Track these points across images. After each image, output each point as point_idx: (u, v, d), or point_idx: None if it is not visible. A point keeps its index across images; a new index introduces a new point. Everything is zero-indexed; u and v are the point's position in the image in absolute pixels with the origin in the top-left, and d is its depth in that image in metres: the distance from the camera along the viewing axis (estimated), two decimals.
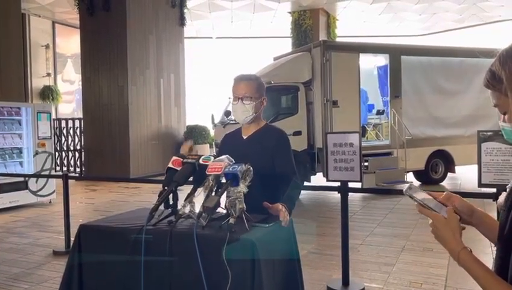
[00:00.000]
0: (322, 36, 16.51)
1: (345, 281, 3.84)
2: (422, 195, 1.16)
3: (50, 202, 8.56)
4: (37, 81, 15.77)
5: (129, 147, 12.11)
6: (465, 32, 20.15)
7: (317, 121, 8.77)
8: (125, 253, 2.00)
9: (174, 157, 2.25)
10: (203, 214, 1.92)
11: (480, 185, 3.48)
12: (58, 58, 16.85)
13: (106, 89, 12.43)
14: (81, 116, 13.52)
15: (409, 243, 5.28)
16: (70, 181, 5.41)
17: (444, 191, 1.20)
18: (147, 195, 9.45)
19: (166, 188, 2.14)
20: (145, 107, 12.75)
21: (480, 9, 17.44)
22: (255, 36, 20.52)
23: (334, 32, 17.84)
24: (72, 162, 13.32)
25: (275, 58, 10.48)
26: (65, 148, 13.34)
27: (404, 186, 1.19)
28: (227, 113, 8.42)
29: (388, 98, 9.88)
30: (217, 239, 1.87)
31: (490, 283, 1.00)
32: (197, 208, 2.00)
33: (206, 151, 13.61)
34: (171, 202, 2.16)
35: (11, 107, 8.26)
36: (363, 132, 9.58)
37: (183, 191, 2.11)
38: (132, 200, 8.93)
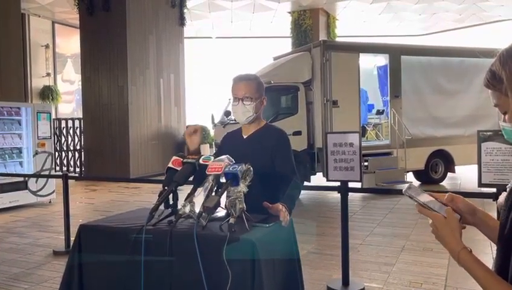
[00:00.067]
0: (322, 36, 16.51)
1: (345, 281, 3.84)
2: (421, 195, 1.16)
3: (50, 202, 8.56)
4: (37, 81, 15.77)
5: (129, 147, 12.11)
6: (465, 32, 20.16)
7: (317, 121, 8.77)
8: (125, 253, 2.00)
9: (174, 157, 2.25)
10: (203, 214, 1.92)
11: (480, 185, 3.48)
12: (58, 58, 16.85)
13: (106, 89, 12.43)
14: (81, 116, 13.52)
15: (409, 243, 5.28)
16: (70, 181, 5.41)
17: (444, 191, 1.20)
18: (146, 195, 9.45)
19: (166, 188, 2.14)
20: (145, 107, 12.75)
21: (480, 9, 17.44)
22: (255, 36, 20.52)
23: (334, 32, 17.85)
24: (72, 162, 13.32)
25: (275, 58, 10.49)
26: (65, 148, 13.34)
27: (404, 187, 1.19)
28: (227, 113, 8.43)
29: (388, 98, 9.88)
30: (217, 239, 1.86)
31: (490, 283, 1.00)
32: (197, 208, 2.00)
33: (206, 151, 13.62)
34: (171, 202, 2.16)
35: (11, 107, 8.26)
36: (363, 132, 9.58)
37: (183, 191, 2.11)
38: (132, 200, 8.93)
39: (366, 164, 8.86)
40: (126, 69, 12.14)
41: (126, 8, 12.11)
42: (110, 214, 2.97)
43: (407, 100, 9.67)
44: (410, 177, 9.97)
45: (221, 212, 2.15)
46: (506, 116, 1.03)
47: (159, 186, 2.22)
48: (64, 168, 13.19)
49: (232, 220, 1.93)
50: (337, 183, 4.03)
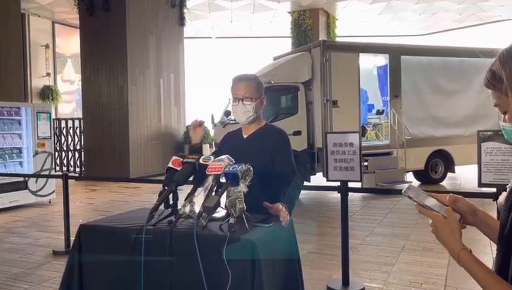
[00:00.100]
0: (322, 36, 16.50)
1: (345, 281, 3.84)
2: (421, 195, 1.16)
3: (50, 202, 8.56)
4: (37, 81, 15.76)
5: (129, 147, 12.11)
6: (465, 32, 20.16)
7: (317, 121, 8.77)
8: (125, 253, 2.00)
9: (174, 157, 2.25)
10: (203, 214, 1.92)
11: (480, 184, 3.48)
12: (58, 58, 16.84)
13: (106, 89, 12.43)
14: (80, 116, 13.52)
15: (409, 243, 5.28)
16: (70, 181, 5.41)
17: (444, 191, 1.20)
18: (146, 195, 9.45)
19: (166, 188, 2.14)
20: (145, 107, 12.75)
21: (480, 9, 17.44)
22: (255, 36, 20.52)
23: (334, 32, 17.85)
24: (71, 162, 13.32)
25: (275, 58, 10.48)
26: (65, 148, 13.34)
27: (404, 187, 1.19)
28: (227, 113, 8.43)
29: (388, 98, 9.88)
30: (217, 239, 1.87)
31: (490, 283, 1.00)
32: (197, 208, 2.00)
33: (206, 151, 13.60)
34: (171, 202, 2.16)
35: (10, 107, 8.26)
36: (362, 132, 9.58)
37: (183, 191, 2.11)
38: (132, 200, 8.93)
39: (366, 164, 8.86)
40: (126, 69, 12.14)
41: (126, 8, 12.10)
42: (110, 214, 2.97)
43: (407, 100, 9.67)
44: (410, 177, 9.97)
45: (221, 212, 2.15)
46: (506, 116, 1.03)
47: (159, 186, 2.22)
48: (64, 168, 13.19)
49: (232, 220, 1.93)
50: (337, 183, 4.03)
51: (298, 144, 8.29)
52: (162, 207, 2.12)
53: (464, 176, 10.24)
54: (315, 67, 8.88)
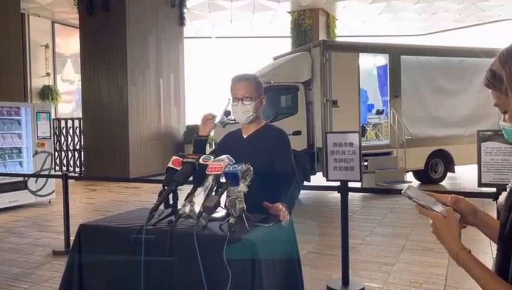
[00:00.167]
0: (322, 36, 16.50)
1: (345, 281, 3.84)
2: (421, 195, 1.16)
3: (49, 201, 8.55)
4: (37, 81, 15.76)
5: (129, 147, 12.11)
6: (464, 32, 20.16)
7: (316, 121, 8.77)
8: (125, 253, 2.00)
9: (174, 157, 2.24)
10: (203, 213, 1.92)
11: (480, 184, 3.48)
12: (58, 58, 16.84)
13: (106, 89, 12.43)
14: (80, 116, 13.52)
15: (409, 243, 5.28)
16: (70, 181, 5.41)
17: (443, 191, 1.20)
18: (146, 195, 9.45)
19: (166, 187, 2.14)
20: (144, 107, 12.75)
21: (479, 9, 17.44)
22: (255, 36, 20.52)
23: (334, 32, 17.85)
24: (71, 162, 13.32)
25: (275, 58, 10.48)
26: (65, 148, 13.34)
27: (404, 187, 1.19)
28: (226, 113, 8.43)
29: (388, 98, 9.89)
30: (217, 239, 1.86)
31: (490, 283, 1.00)
32: (197, 208, 2.00)
33: (206, 151, 13.58)
34: (171, 202, 2.16)
35: (10, 107, 8.26)
36: (362, 132, 9.58)
37: (183, 190, 2.11)
38: (132, 200, 8.93)
39: (365, 163, 8.86)
40: (126, 69, 12.14)
41: (126, 8, 12.10)
42: (110, 214, 2.97)
43: (407, 100, 9.67)
44: (410, 177, 9.97)
45: (221, 212, 2.15)
46: (506, 116, 1.03)
47: (159, 186, 2.22)
48: (64, 168, 13.19)
49: (232, 220, 1.93)
50: (337, 183, 4.03)
51: (298, 144, 8.29)
52: (162, 207, 2.12)
53: (464, 176, 10.24)
54: (315, 67, 8.88)
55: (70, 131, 13.22)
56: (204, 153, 2.25)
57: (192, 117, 15.10)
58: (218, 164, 2.04)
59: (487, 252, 4.53)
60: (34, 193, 8.27)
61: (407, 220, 6.48)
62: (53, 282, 4.10)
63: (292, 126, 8.17)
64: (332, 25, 17.77)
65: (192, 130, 13.94)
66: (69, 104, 17.35)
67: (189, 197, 2.08)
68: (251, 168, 2.00)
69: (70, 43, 16.83)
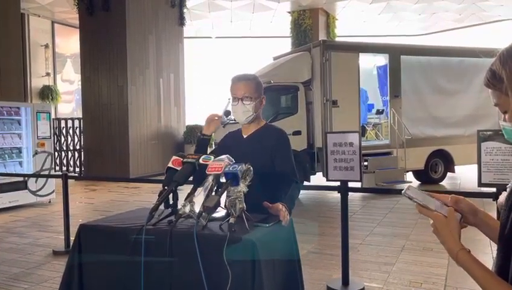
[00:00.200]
0: (322, 36, 16.51)
1: (345, 281, 3.84)
2: (421, 195, 1.16)
3: (49, 201, 8.55)
4: (37, 81, 15.76)
5: (129, 147, 12.11)
6: (464, 32, 20.16)
7: (316, 121, 8.77)
8: (125, 253, 2.00)
9: (174, 157, 2.24)
10: (203, 213, 1.92)
11: (480, 184, 3.48)
12: (58, 58, 16.84)
13: (106, 89, 12.43)
14: (80, 116, 13.52)
15: (409, 243, 5.28)
16: (70, 181, 5.41)
17: (443, 191, 1.20)
18: (146, 195, 9.45)
19: (166, 187, 2.13)
20: (144, 107, 12.75)
21: (479, 8, 17.44)
22: (255, 36, 20.52)
23: (334, 32, 17.85)
24: (71, 162, 13.32)
25: (275, 58, 10.48)
26: (65, 148, 13.34)
27: (404, 187, 1.19)
28: (226, 113, 8.40)
29: (388, 98, 9.89)
30: (217, 239, 1.86)
31: (490, 283, 1.00)
32: (197, 208, 2.00)
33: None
34: (171, 202, 2.16)
35: (10, 107, 8.26)
36: (362, 132, 9.58)
37: (183, 190, 2.11)
38: (132, 200, 8.93)
39: (365, 163, 8.86)
40: (126, 69, 12.14)
41: (126, 8, 12.10)
42: (110, 214, 2.97)
43: (407, 100, 9.67)
44: (410, 177, 9.97)
45: (221, 212, 2.15)
46: (507, 116, 1.03)
47: (159, 186, 2.22)
48: (64, 168, 13.19)
49: (232, 220, 1.93)
50: (337, 183, 4.03)
51: (298, 143, 8.29)
52: (162, 207, 2.12)
53: (464, 175, 10.25)
54: (315, 67, 8.88)
55: (70, 131, 13.22)
56: (206, 153, 2.25)
57: (192, 117, 15.12)
58: (218, 164, 2.04)
59: (487, 252, 4.53)
60: (34, 193, 8.27)
61: (407, 220, 6.48)
62: (53, 282, 4.10)
63: (292, 126, 8.17)
64: (332, 25, 17.77)
65: (192, 130, 13.94)
66: (69, 104, 17.35)
67: (189, 197, 2.08)
68: (251, 168, 2.00)
69: (70, 43, 16.83)
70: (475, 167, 3.64)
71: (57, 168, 12.88)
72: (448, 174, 10.21)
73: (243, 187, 1.96)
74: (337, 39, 17.28)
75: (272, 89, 8.03)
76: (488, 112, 9.56)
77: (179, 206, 2.09)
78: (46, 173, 8.43)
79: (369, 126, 10.27)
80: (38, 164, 8.42)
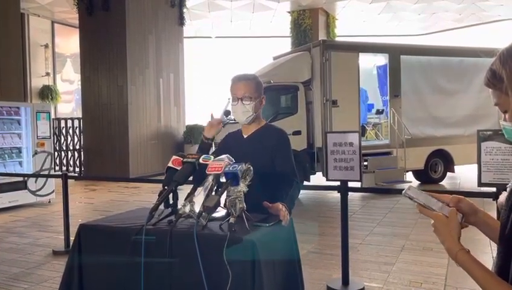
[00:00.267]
0: (322, 36, 16.51)
1: (345, 281, 3.84)
2: (421, 195, 1.16)
3: (49, 201, 8.55)
4: (36, 81, 15.75)
5: (128, 147, 12.11)
6: (464, 31, 20.17)
7: (316, 121, 8.77)
8: (125, 253, 2.00)
9: (174, 157, 2.24)
10: (203, 213, 1.92)
11: (480, 184, 3.48)
12: (58, 58, 16.83)
13: (105, 89, 12.42)
14: (80, 115, 13.52)
15: (409, 243, 5.28)
16: (70, 181, 5.41)
17: (443, 191, 1.20)
18: (146, 195, 9.45)
19: (166, 187, 2.13)
20: (144, 107, 12.75)
21: (479, 8, 17.45)
22: (255, 36, 20.52)
23: (334, 31, 17.85)
24: (71, 162, 13.31)
25: (275, 58, 10.48)
26: (64, 148, 13.34)
27: (404, 188, 1.19)
28: (226, 113, 8.41)
29: (387, 98, 9.89)
30: (217, 239, 1.86)
31: (489, 283, 1.00)
32: (197, 208, 2.00)
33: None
34: (171, 202, 2.16)
35: (10, 107, 8.26)
36: (362, 132, 9.58)
37: (183, 190, 2.11)
38: (132, 200, 8.93)
39: (365, 163, 8.86)
40: (125, 69, 12.14)
41: (125, 8, 12.10)
42: (110, 214, 2.97)
43: (407, 100, 9.67)
44: (409, 177, 9.97)
45: (221, 212, 2.15)
46: (507, 115, 1.03)
47: (159, 186, 2.22)
48: (64, 168, 13.18)
49: (232, 220, 1.92)
50: (337, 183, 4.03)
51: (298, 143, 8.29)
52: (162, 207, 2.12)
53: (464, 175, 10.25)
54: (315, 67, 8.88)
55: (70, 131, 13.21)
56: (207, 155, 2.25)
57: (192, 117, 15.13)
58: (218, 164, 2.04)
59: (487, 252, 4.53)
60: (33, 192, 8.27)
61: (407, 219, 6.48)
62: (53, 282, 4.10)
63: (292, 126, 8.17)
64: (332, 24, 17.78)
65: (192, 130, 13.94)
66: (68, 104, 17.35)
67: (189, 197, 2.08)
68: (251, 167, 2.00)
69: (70, 43, 16.82)
70: (475, 166, 3.64)
71: (57, 168, 12.88)
72: (448, 174, 10.21)
73: (243, 187, 1.96)
74: (337, 39, 17.28)
75: (271, 89, 8.03)
76: (488, 112, 9.56)
77: (179, 206, 2.09)
78: (46, 173, 8.42)
79: (369, 126, 10.27)
80: (38, 163, 8.41)
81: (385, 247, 5.16)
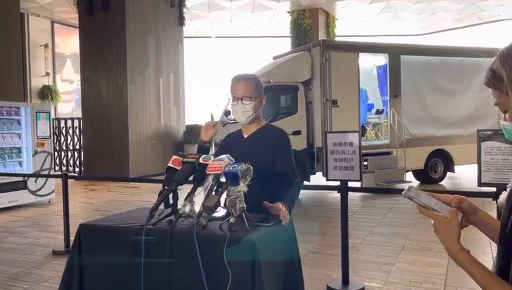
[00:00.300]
0: (322, 35, 16.51)
1: (345, 281, 3.84)
2: (421, 195, 1.16)
3: (49, 201, 8.55)
4: (36, 81, 15.75)
5: (128, 147, 12.11)
6: (464, 31, 20.17)
7: (316, 121, 8.77)
8: (125, 252, 2.00)
9: (174, 157, 2.24)
10: (203, 213, 1.92)
11: (480, 184, 3.48)
12: (57, 58, 16.83)
13: (105, 89, 12.43)
14: (80, 115, 13.52)
15: (409, 243, 5.28)
16: (70, 181, 5.41)
17: (443, 191, 1.20)
18: (146, 195, 9.45)
19: (166, 187, 2.13)
20: (144, 107, 12.75)
21: (479, 8, 17.45)
22: (255, 36, 20.52)
23: (334, 31, 17.85)
24: (71, 162, 13.32)
25: (275, 58, 10.48)
26: (64, 148, 13.34)
27: (404, 188, 1.19)
28: (226, 113, 8.40)
29: (387, 98, 9.89)
30: (217, 238, 1.86)
31: (489, 283, 1.00)
32: (197, 208, 2.00)
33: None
34: (171, 202, 2.15)
35: (10, 107, 8.26)
36: (362, 132, 9.58)
37: (183, 190, 2.11)
38: (131, 200, 8.93)
39: (365, 163, 8.85)
40: (125, 69, 12.14)
41: (125, 8, 12.10)
42: (110, 214, 2.97)
43: (407, 100, 9.67)
44: (409, 176, 9.97)
45: (221, 212, 2.15)
46: (507, 115, 1.03)
47: (159, 186, 2.22)
48: (64, 168, 13.18)
49: (232, 220, 1.92)
50: (337, 183, 4.03)
51: (298, 143, 8.29)
52: (161, 207, 2.11)
53: (464, 175, 10.25)
54: (315, 67, 8.88)
55: (70, 131, 13.21)
56: None
57: (192, 117, 15.13)
58: (218, 164, 2.03)
59: (487, 252, 4.53)
60: (33, 192, 8.27)
61: (407, 219, 6.48)
62: (53, 282, 4.10)
63: (292, 126, 8.17)
64: (332, 24, 17.78)
65: (192, 129, 13.94)
66: (68, 104, 17.34)
67: (189, 196, 2.08)
68: (251, 167, 2.00)
69: (69, 43, 16.82)
70: (475, 166, 3.64)
71: (57, 168, 12.87)
72: (448, 174, 10.21)
73: (243, 187, 1.95)
74: (336, 39, 17.28)
75: (271, 89, 8.03)
76: (488, 112, 9.57)
77: (179, 206, 2.09)
78: (46, 172, 8.42)
79: (369, 126, 10.27)
80: (38, 163, 8.41)
81: (385, 247, 5.16)
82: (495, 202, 2.79)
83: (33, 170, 8.27)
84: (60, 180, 5.31)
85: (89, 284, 2.16)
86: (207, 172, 2.04)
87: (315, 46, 9.02)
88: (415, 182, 9.93)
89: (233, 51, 21.64)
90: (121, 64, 12.17)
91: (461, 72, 10.01)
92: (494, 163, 3.37)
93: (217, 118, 2.64)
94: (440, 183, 10.04)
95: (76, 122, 13.24)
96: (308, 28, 16.71)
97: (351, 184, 4.05)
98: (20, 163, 8.44)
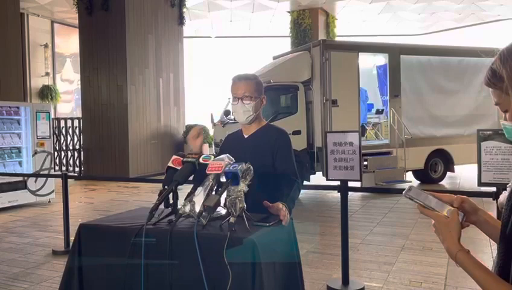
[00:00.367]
0: (321, 35, 16.51)
1: (345, 281, 3.84)
2: (422, 195, 1.16)
3: (49, 201, 8.55)
4: (36, 81, 15.75)
5: (128, 147, 12.11)
6: (464, 31, 20.18)
7: (316, 121, 8.77)
8: (125, 252, 2.00)
9: (174, 157, 2.24)
10: (203, 213, 1.92)
11: (480, 184, 3.48)
12: (57, 58, 16.83)
13: (105, 89, 12.42)
14: (80, 115, 13.52)
15: (409, 242, 5.28)
16: (70, 181, 5.41)
17: (443, 191, 1.20)
18: (146, 195, 9.45)
19: (166, 187, 2.13)
20: (144, 107, 12.75)
21: (479, 8, 17.45)
22: (254, 35, 20.52)
23: (333, 31, 17.85)
24: (71, 162, 13.31)
25: (274, 58, 10.49)
26: (64, 148, 13.34)
27: (404, 188, 1.19)
28: (226, 113, 8.43)
29: (387, 98, 9.89)
30: (218, 238, 1.86)
31: (489, 283, 1.00)
32: (197, 207, 2.00)
33: (206, 150, 13.60)
34: (171, 201, 2.15)
35: (10, 107, 8.26)
36: (362, 131, 9.58)
37: (183, 190, 2.11)
38: (131, 200, 8.93)
39: (365, 163, 8.86)
40: (125, 69, 12.14)
41: (125, 8, 12.10)
42: (110, 214, 2.97)
43: (407, 99, 9.67)
44: (409, 176, 9.98)
45: (221, 212, 2.14)
46: (507, 115, 1.03)
47: (159, 186, 2.22)
48: (64, 168, 13.18)
49: (232, 220, 1.92)
50: (337, 183, 4.03)
51: (298, 143, 8.29)
52: (162, 206, 2.11)
53: (464, 175, 10.25)
54: (315, 67, 8.88)
55: (70, 131, 13.21)
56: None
57: (192, 117, 15.13)
58: (218, 164, 2.03)
59: (487, 252, 4.53)
60: (33, 192, 8.27)
61: (407, 219, 6.48)
62: (53, 282, 4.10)
63: (292, 126, 8.17)
64: (331, 24, 17.78)
65: (191, 129, 13.91)
66: (68, 104, 17.34)
67: (189, 196, 2.08)
68: (251, 167, 2.00)
69: (69, 43, 16.82)
70: (475, 166, 3.64)
71: (57, 167, 12.87)
72: (448, 173, 10.21)
73: (243, 186, 1.95)
74: (336, 39, 17.28)
75: (271, 89, 8.03)
76: (488, 112, 9.58)
77: (179, 206, 2.08)
78: (46, 172, 8.42)
79: (368, 126, 10.27)
80: (38, 163, 8.41)
81: (385, 247, 5.17)
82: (495, 201, 2.79)
83: (33, 170, 8.27)
84: (59, 180, 5.31)
85: (88, 284, 2.16)
86: (207, 172, 2.04)
87: (315, 46, 9.02)
88: (415, 182, 9.93)
89: (233, 51, 21.65)
90: (120, 64, 12.17)
91: (461, 72, 10.01)
92: (494, 163, 3.37)
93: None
94: (440, 183, 10.04)
95: (76, 122, 13.23)
96: (308, 28, 16.71)
97: (351, 184, 4.05)
98: (20, 163, 8.44)
